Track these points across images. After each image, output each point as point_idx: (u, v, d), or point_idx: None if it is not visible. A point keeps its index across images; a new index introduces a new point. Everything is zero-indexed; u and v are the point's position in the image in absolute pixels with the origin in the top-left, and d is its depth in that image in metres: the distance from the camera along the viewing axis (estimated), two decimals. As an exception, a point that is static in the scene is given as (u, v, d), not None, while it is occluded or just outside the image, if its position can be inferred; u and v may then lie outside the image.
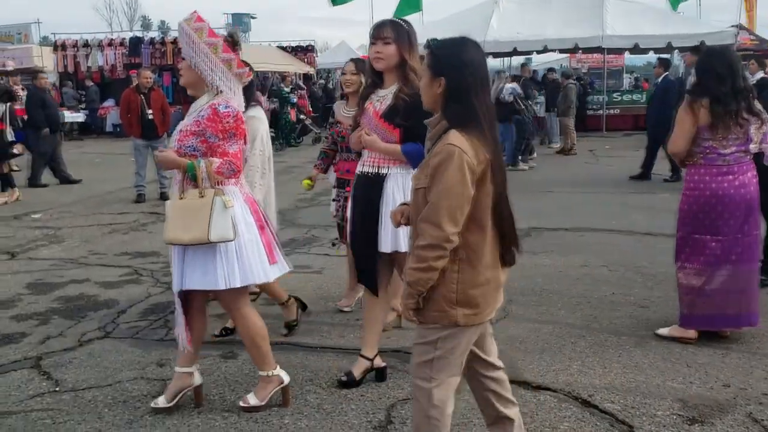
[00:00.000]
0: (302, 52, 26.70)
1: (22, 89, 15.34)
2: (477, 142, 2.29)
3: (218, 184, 3.23)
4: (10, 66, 19.98)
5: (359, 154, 3.74)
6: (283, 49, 26.48)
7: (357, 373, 3.69)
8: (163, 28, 46.27)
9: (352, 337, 4.38)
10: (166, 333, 4.54)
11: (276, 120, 16.51)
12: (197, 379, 3.49)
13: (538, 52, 19.64)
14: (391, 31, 3.44)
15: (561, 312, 4.86)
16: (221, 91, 3.25)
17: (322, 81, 27.74)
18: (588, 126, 18.26)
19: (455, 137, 2.27)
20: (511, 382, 3.66)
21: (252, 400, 3.42)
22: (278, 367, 3.47)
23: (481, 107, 2.34)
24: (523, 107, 12.68)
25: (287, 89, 17.82)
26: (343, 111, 4.74)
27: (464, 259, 2.34)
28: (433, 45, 2.47)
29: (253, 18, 55.24)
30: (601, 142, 16.43)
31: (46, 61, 21.59)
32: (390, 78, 3.53)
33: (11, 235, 7.95)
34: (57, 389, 3.75)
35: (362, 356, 3.73)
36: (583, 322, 4.66)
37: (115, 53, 21.47)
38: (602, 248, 6.63)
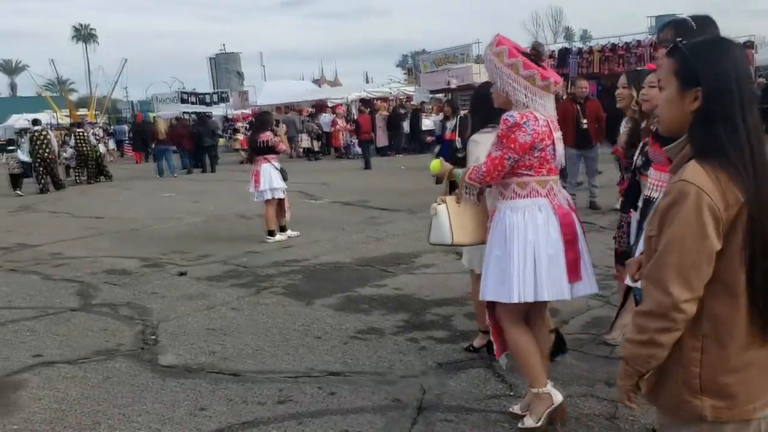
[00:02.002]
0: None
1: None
2: (726, 177, 1.72)
3: (514, 198, 3.30)
4: (454, 84, 22.29)
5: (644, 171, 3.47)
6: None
7: None
8: (585, 37, 46.54)
9: None
10: (611, 350, 4.39)
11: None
12: (557, 397, 3.36)
13: None
14: (670, 33, 3.02)
15: None
16: (527, 106, 3.28)
17: (762, 79, 24.42)
18: None
19: (692, 172, 1.73)
20: None
21: (528, 421, 3.37)
22: (549, 385, 3.37)
23: (749, 130, 1.76)
24: None
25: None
26: (623, 127, 4.29)
27: (709, 336, 1.79)
28: (684, 45, 1.84)
29: (683, 17, 51.75)
30: None
31: (483, 77, 23.53)
32: None
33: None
34: (511, 393, 3.90)
35: None
36: None
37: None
38: None
